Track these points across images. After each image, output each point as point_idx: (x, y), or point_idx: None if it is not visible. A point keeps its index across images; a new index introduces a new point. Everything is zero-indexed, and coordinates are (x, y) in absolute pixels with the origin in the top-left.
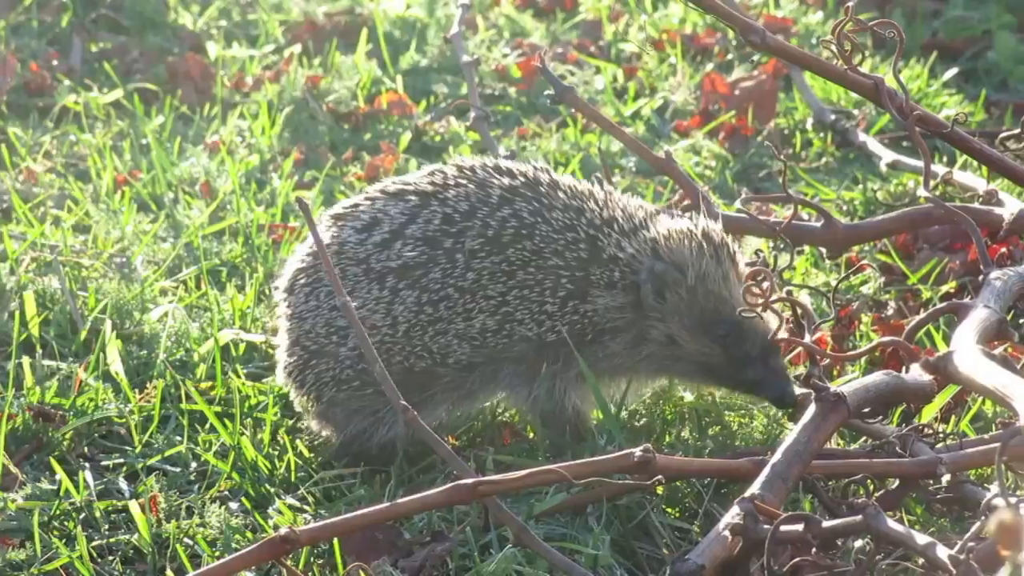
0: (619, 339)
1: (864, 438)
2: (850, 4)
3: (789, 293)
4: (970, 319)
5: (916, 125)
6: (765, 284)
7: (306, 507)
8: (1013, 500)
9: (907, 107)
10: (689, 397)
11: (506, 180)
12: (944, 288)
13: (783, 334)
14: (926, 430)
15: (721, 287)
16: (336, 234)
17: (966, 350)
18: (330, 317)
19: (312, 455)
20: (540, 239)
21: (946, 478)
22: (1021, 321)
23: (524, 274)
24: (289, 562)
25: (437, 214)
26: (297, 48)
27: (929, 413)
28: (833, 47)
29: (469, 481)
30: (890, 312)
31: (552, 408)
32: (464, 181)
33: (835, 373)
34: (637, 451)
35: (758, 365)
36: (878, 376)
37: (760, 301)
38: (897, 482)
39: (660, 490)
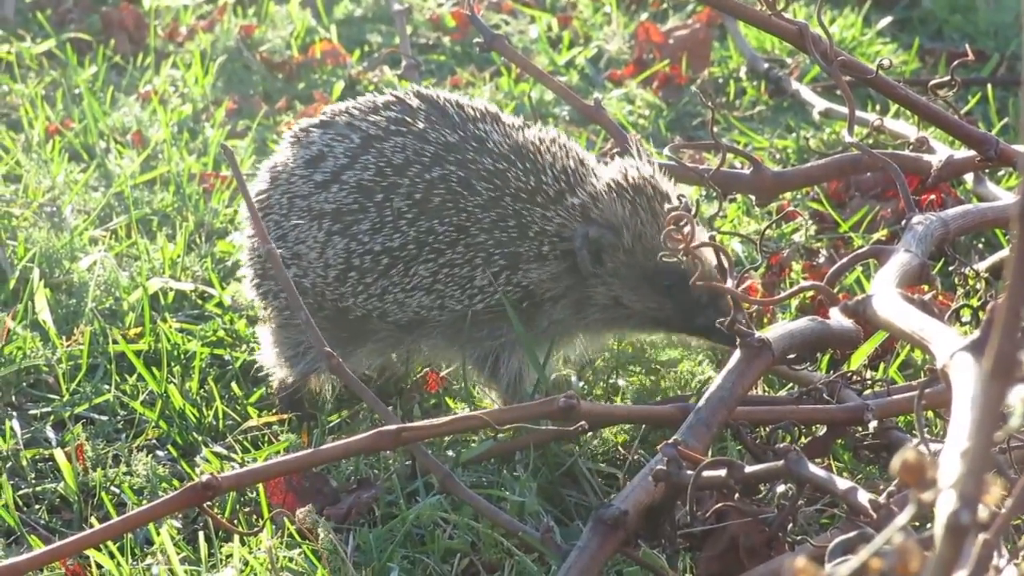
0: (560, 305)
1: (791, 385)
2: None
3: (713, 239)
4: (891, 263)
5: (840, 71)
6: (686, 229)
7: (233, 455)
8: (934, 446)
9: (831, 53)
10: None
11: (445, 134)
12: (876, 236)
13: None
14: (854, 377)
15: (659, 240)
16: (290, 159)
17: (884, 293)
18: (278, 246)
19: (242, 400)
20: (466, 215)
21: (873, 424)
22: (950, 268)
23: (453, 253)
24: (216, 511)
25: (372, 164)
26: None
27: (858, 360)
28: None
29: (392, 427)
30: (821, 260)
31: (487, 372)
32: (404, 129)
33: (765, 320)
34: (561, 397)
35: (709, 310)
36: (803, 322)
37: (681, 246)
38: (825, 429)
39: (587, 437)
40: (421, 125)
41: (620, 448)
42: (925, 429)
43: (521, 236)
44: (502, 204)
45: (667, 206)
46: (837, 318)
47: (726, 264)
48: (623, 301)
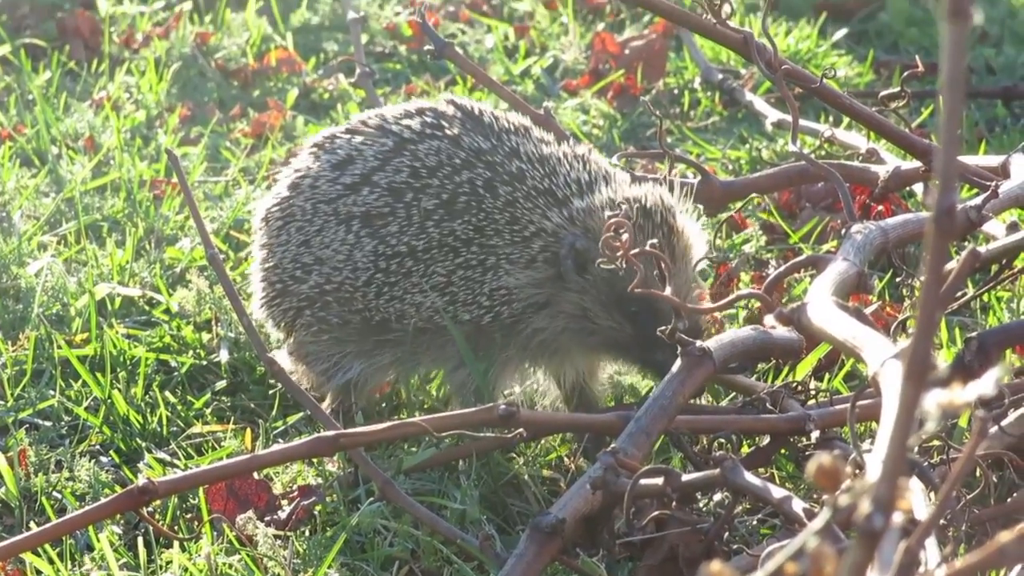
0: (541, 313)
1: (734, 394)
2: None
3: (653, 246)
4: (828, 272)
5: (785, 80)
6: (625, 236)
7: (176, 461)
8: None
9: (776, 62)
10: None
11: (478, 140)
12: (825, 247)
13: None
14: (798, 387)
15: (644, 268)
16: (311, 165)
17: (819, 301)
18: (297, 253)
19: (182, 408)
20: (484, 215)
21: (815, 434)
22: (897, 279)
23: (468, 253)
24: (158, 517)
25: (406, 165)
26: (188, 5)
27: (803, 370)
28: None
29: (331, 433)
30: (771, 271)
31: (482, 390)
32: (439, 133)
33: (712, 331)
34: (501, 404)
35: (667, 349)
36: (746, 331)
37: (619, 253)
38: (768, 439)
39: (530, 445)
40: (456, 130)
41: (565, 458)
42: (868, 440)
43: (521, 239)
44: (516, 206)
45: (692, 232)
46: (782, 328)
47: (666, 271)
48: (589, 315)
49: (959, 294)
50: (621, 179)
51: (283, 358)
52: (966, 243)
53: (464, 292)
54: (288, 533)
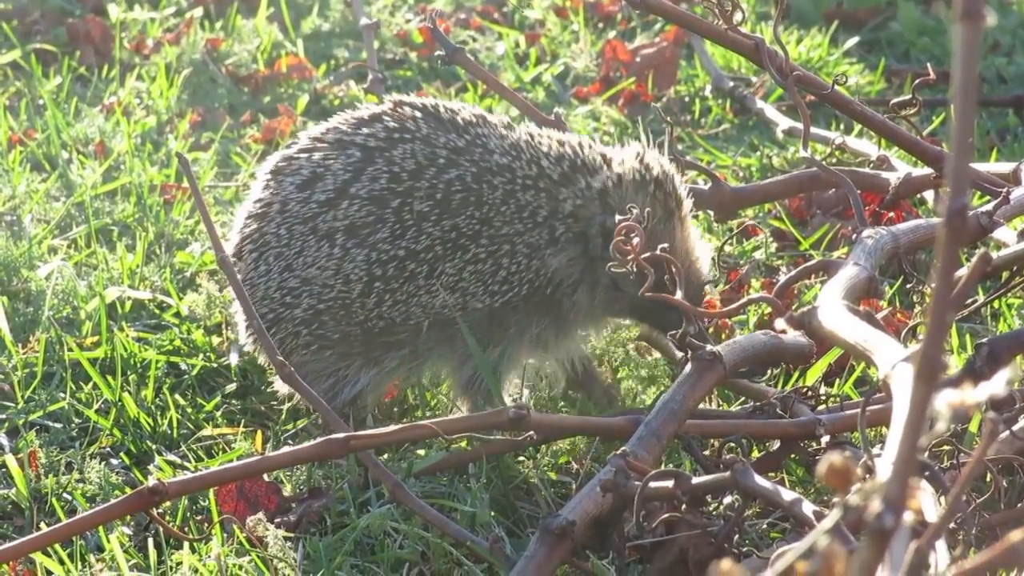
0: (579, 289)
1: (744, 399)
2: None
3: (663, 251)
4: (838, 276)
5: (796, 86)
6: (635, 240)
7: (187, 464)
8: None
9: (787, 67)
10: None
11: (452, 139)
12: (836, 254)
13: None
14: (808, 392)
15: (664, 236)
16: (276, 191)
17: (830, 305)
18: (281, 279)
19: (192, 411)
20: (488, 207)
21: (825, 439)
22: (908, 286)
23: (476, 247)
24: (168, 519)
25: (383, 172)
26: (199, 11)
27: (813, 375)
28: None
29: (341, 436)
30: (781, 277)
31: (491, 380)
32: (408, 136)
33: (723, 336)
34: (511, 408)
35: (675, 313)
36: (756, 336)
37: (630, 257)
38: (778, 443)
39: (540, 449)
40: (425, 131)
41: (573, 462)
42: (878, 446)
43: (534, 224)
44: (516, 195)
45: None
46: (793, 333)
47: (677, 276)
48: (620, 284)
49: (970, 300)
50: (596, 144)
51: (279, 385)
52: (977, 249)
53: (475, 285)
54: (298, 535)
